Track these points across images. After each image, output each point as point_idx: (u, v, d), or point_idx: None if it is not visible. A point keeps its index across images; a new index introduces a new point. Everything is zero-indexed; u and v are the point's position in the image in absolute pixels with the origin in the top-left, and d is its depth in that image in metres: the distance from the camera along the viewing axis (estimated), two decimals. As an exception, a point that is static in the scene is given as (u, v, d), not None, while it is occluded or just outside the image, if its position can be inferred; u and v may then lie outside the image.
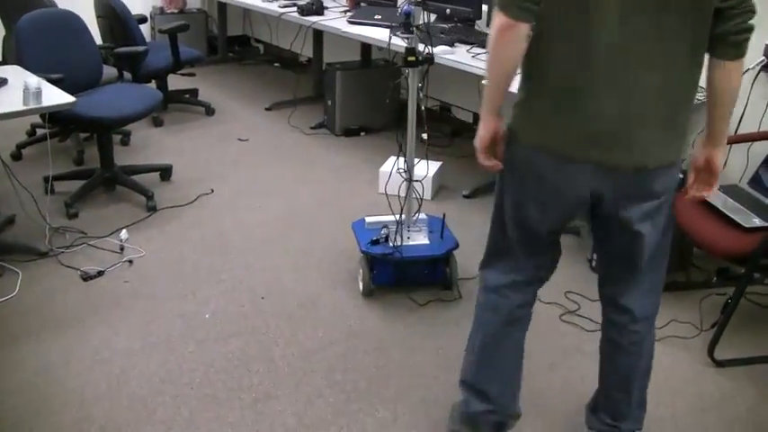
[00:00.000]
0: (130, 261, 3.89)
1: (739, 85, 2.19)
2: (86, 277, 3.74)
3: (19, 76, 3.90)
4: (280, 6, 5.86)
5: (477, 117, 5.73)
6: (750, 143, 3.83)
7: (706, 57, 2.14)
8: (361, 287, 3.64)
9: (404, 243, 3.56)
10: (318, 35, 6.32)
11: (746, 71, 3.76)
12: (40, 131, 5.42)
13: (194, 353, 3.19)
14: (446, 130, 5.69)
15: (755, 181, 3.66)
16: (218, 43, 7.66)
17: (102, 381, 3.01)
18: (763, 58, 3.77)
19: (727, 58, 2.12)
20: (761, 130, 3.82)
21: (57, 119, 4.18)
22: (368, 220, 3.73)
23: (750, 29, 2.11)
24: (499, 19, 2.08)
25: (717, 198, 3.46)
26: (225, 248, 4.05)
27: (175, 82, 6.29)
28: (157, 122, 5.80)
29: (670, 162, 2.19)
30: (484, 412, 2.57)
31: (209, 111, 6.10)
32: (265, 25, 7.60)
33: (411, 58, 3.33)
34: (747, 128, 3.87)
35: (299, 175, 4.88)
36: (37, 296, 3.59)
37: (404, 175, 3.55)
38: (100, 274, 3.77)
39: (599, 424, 2.65)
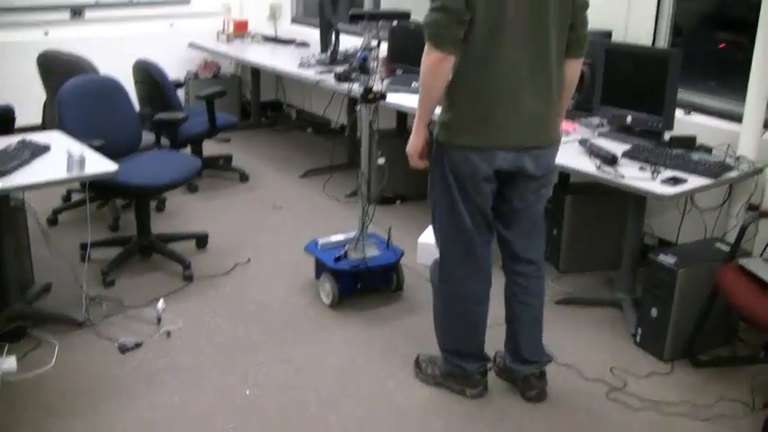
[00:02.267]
0: (168, 333, 3.85)
1: (578, 77, 3.15)
2: (124, 349, 3.69)
3: (61, 142, 3.92)
4: (316, 73, 5.88)
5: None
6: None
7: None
8: (328, 301, 4.13)
9: (361, 256, 4.09)
10: (353, 102, 6.32)
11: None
12: (75, 196, 5.42)
13: (236, 429, 3.13)
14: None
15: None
16: (251, 109, 7.69)
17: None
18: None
19: (576, 57, 3.04)
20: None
21: (97, 186, 4.18)
22: (320, 241, 4.23)
23: (586, 36, 3.04)
24: (433, 53, 2.81)
25: (764, 270, 3.37)
26: (263, 320, 4.00)
27: (210, 147, 6.31)
28: (192, 188, 5.79)
29: (557, 140, 3.10)
30: (478, 368, 3.33)
31: (244, 177, 6.09)
32: (298, 91, 7.63)
33: (370, 96, 4.00)
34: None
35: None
36: (74, 368, 3.55)
37: (362, 196, 4.16)
38: (137, 345, 3.73)
39: (522, 365, 3.33)
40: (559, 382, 3.47)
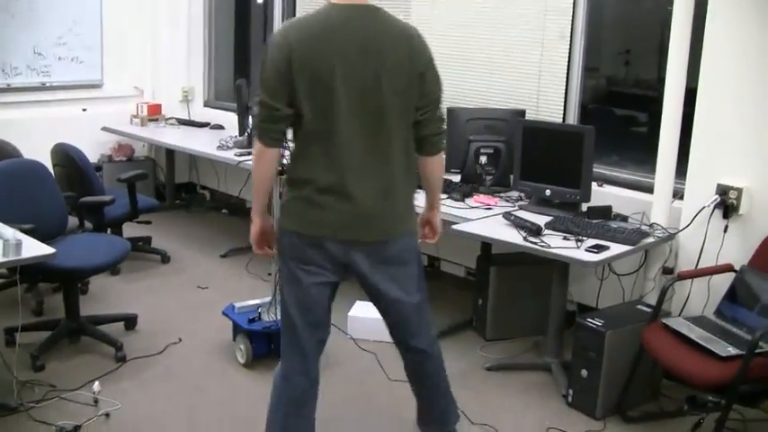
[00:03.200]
0: (107, 414, 3.81)
1: (442, 171, 3.22)
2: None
3: (-7, 228, 3.88)
4: (235, 155, 5.97)
5: (431, 260, 5.86)
6: (710, 276, 4.01)
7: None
8: (243, 360, 4.32)
9: (273, 318, 4.28)
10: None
11: (702, 209, 4.00)
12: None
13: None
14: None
15: (720, 312, 3.82)
16: (165, 191, 7.70)
17: None
18: (716, 196, 4.00)
19: (429, 154, 3.02)
20: (718, 263, 4.01)
21: (27, 270, 4.13)
22: (237, 305, 4.45)
23: (440, 132, 3.03)
24: (257, 144, 2.88)
25: (687, 329, 3.59)
26: (203, 398, 4.00)
27: (129, 230, 6.27)
28: (114, 271, 5.73)
29: (404, 232, 3.02)
30: None
31: (165, 258, 6.08)
32: (212, 172, 7.69)
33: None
34: (706, 262, 4.06)
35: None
36: (13, 455, 3.48)
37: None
38: (76, 429, 3.67)
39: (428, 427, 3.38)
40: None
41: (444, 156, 3.15)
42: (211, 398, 4.02)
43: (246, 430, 3.70)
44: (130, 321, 4.82)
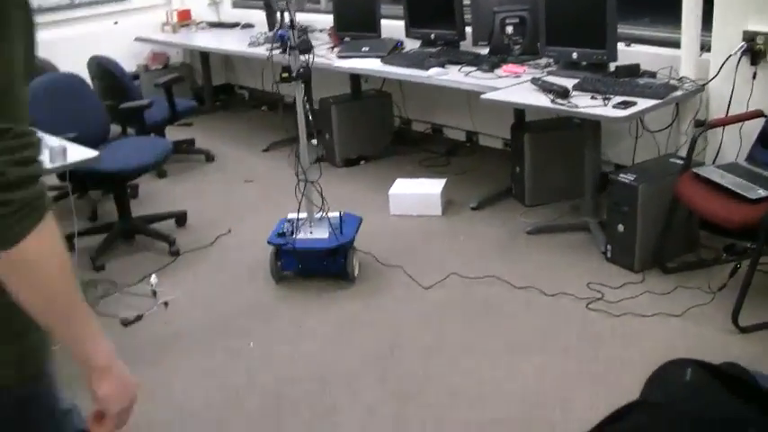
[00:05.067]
0: (166, 303, 4.02)
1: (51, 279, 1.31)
2: (126, 323, 3.86)
3: (38, 139, 4.04)
4: (267, 50, 6.02)
5: (469, 135, 5.94)
6: (740, 124, 4.03)
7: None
8: (271, 273, 4.14)
9: (305, 236, 4.05)
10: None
11: (729, 57, 4.00)
12: (52, 194, 5.53)
13: (246, 380, 3.32)
14: (441, 150, 5.87)
15: (752, 157, 3.86)
16: (204, 94, 7.82)
17: (164, 415, 3.13)
18: (743, 43, 3.98)
19: None
20: (748, 110, 4.02)
21: (77, 177, 4.32)
22: (289, 216, 4.18)
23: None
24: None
25: (718, 175, 3.64)
26: (254, 281, 4.18)
27: (172, 133, 6.43)
28: (161, 174, 5.93)
29: None
30: None
31: (209, 157, 6.24)
32: (248, 71, 7.78)
33: (284, 75, 3.90)
34: (736, 110, 4.07)
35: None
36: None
37: (300, 176, 4.05)
38: (138, 318, 3.89)
39: None
40: (543, 300, 3.72)
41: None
42: (260, 282, 4.19)
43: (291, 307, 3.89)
44: (181, 218, 5.00)
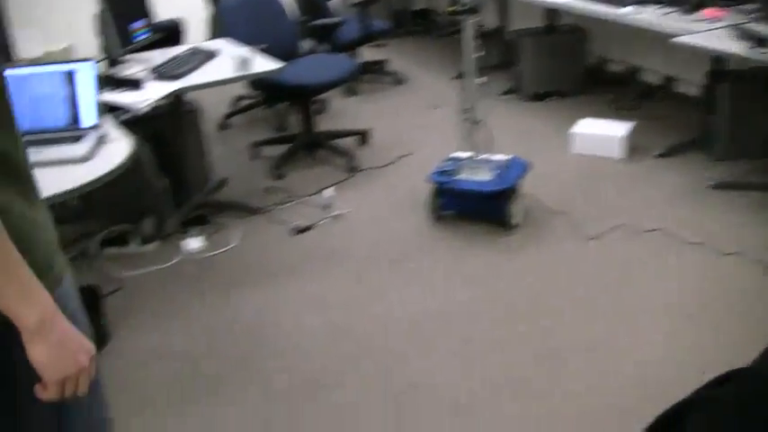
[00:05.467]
0: (337, 217, 4.14)
1: None
2: (297, 231, 4.01)
3: (228, 48, 4.22)
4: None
5: (667, 79, 5.68)
6: None
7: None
8: (429, 212, 4.05)
9: (467, 177, 3.89)
10: (503, 3, 6.41)
11: None
12: (244, 103, 5.79)
13: (404, 300, 3.39)
14: (633, 93, 5.66)
15: None
16: (402, 17, 7.86)
17: (315, 330, 3.25)
18: None
19: None
20: None
21: (263, 86, 4.48)
22: (455, 154, 4.05)
23: None
24: None
25: None
26: (418, 211, 4.21)
27: (365, 54, 6.53)
28: (351, 92, 6.05)
29: None
30: None
31: (399, 80, 6.30)
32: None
33: (452, 9, 3.72)
34: None
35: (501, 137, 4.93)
36: (253, 248, 3.90)
37: (467, 116, 3.88)
38: (308, 228, 4.03)
39: None
40: (716, 260, 3.55)
41: None
42: (422, 214, 4.22)
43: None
44: (363, 136, 5.10)
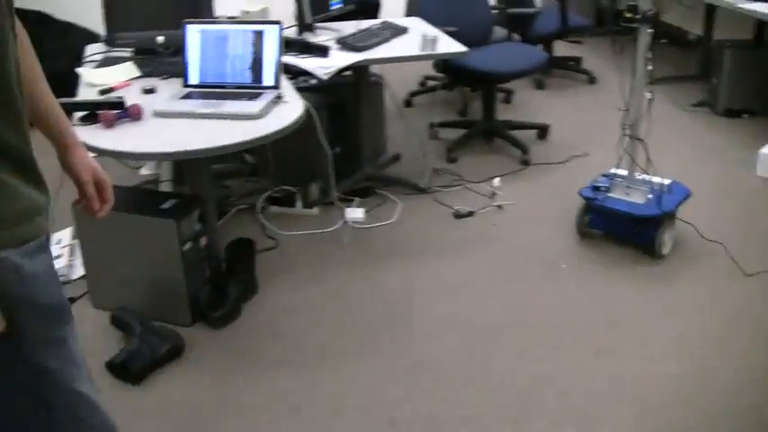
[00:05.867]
0: (500, 206, 4.12)
1: None
2: (458, 215, 4.02)
3: (418, 26, 4.26)
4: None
5: None
6: None
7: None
8: (575, 227, 3.83)
9: (619, 196, 3.64)
10: (711, 11, 6.14)
11: None
12: (430, 83, 5.84)
13: (540, 306, 3.35)
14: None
15: None
16: (604, 15, 7.67)
17: (457, 308, 3.27)
18: None
19: None
20: None
21: (449, 68, 4.51)
22: (612, 170, 3.79)
23: None
24: None
25: None
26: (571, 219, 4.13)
27: (560, 48, 6.44)
28: (540, 85, 5.99)
29: None
30: None
31: (591, 79, 6.17)
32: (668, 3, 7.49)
33: (628, 15, 3.42)
34: None
35: (678, 151, 4.78)
36: (412, 225, 3.95)
37: (626, 131, 3.61)
38: (470, 214, 4.04)
39: None
40: None
41: None
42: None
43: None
44: (543, 131, 5.04)
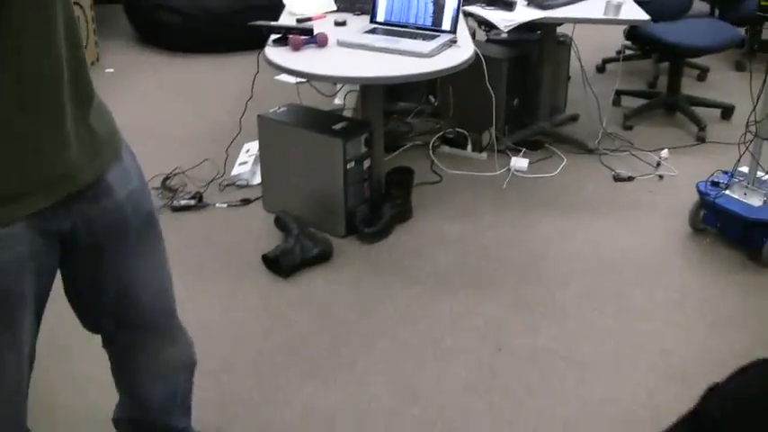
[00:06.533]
0: (661, 176, 4.20)
1: None
2: (618, 178, 4.15)
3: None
4: None
5: None
6: None
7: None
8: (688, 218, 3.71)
9: (734, 195, 3.51)
10: None
11: None
12: (628, 53, 5.90)
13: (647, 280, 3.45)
14: None
15: None
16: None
17: (585, 264, 3.44)
18: None
19: None
20: None
21: (638, 37, 4.60)
22: (740, 168, 3.60)
23: None
24: None
25: None
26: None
27: (771, 33, 6.28)
28: (739, 67, 5.89)
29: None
30: None
31: (799, 67, 5.99)
32: None
33: (764, 3, 3.23)
34: None
35: None
36: (571, 182, 4.12)
37: (754, 128, 3.47)
38: (630, 179, 4.15)
39: None
40: None
41: None
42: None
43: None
44: (727, 111, 5.01)
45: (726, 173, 3.65)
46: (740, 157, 3.54)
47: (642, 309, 3.11)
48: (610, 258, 3.46)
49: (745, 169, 3.58)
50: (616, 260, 3.44)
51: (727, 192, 3.55)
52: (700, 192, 3.60)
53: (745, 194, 3.51)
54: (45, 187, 1.49)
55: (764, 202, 3.46)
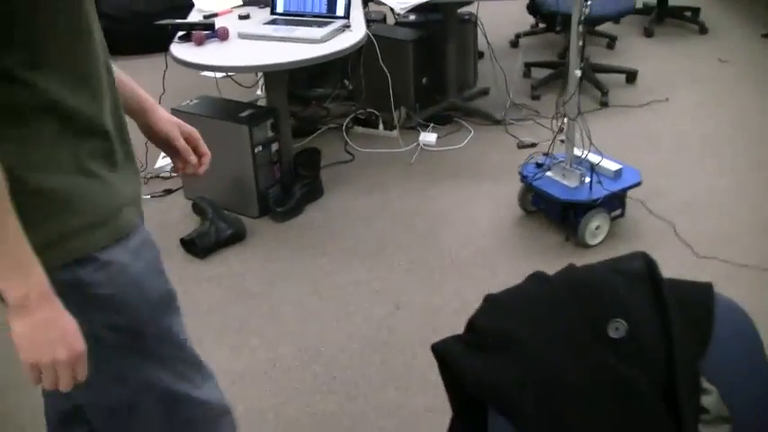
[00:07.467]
0: (563, 141, 4.43)
1: None
2: (521, 146, 4.40)
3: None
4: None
5: None
6: None
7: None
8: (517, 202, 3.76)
9: (553, 177, 3.52)
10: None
11: None
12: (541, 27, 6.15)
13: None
14: None
15: None
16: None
17: (479, 236, 3.68)
18: None
19: None
20: None
21: (538, 11, 4.85)
22: (579, 152, 3.55)
23: None
24: None
25: None
26: (655, 148, 4.39)
27: (677, -1, 6.52)
28: (648, 33, 6.15)
29: None
30: None
31: (703, 30, 6.23)
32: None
33: None
34: None
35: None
36: (476, 151, 4.37)
37: (559, 110, 3.51)
38: (533, 145, 4.40)
39: None
40: None
41: None
42: (662, 148, 4.37)
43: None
44: (630, 75, 5.26)
45: (546, 154, 3.63)
46: (554, 138, 3.55)
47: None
48: (507, 220, 3.70)
49: (577, 152, 3.53)
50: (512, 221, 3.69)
51: (548, 173, 3.54)
52: (522, 175, 3.60)
53: (564, 176, 3.50)
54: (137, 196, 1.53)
55: (581, 182, 3.45)
